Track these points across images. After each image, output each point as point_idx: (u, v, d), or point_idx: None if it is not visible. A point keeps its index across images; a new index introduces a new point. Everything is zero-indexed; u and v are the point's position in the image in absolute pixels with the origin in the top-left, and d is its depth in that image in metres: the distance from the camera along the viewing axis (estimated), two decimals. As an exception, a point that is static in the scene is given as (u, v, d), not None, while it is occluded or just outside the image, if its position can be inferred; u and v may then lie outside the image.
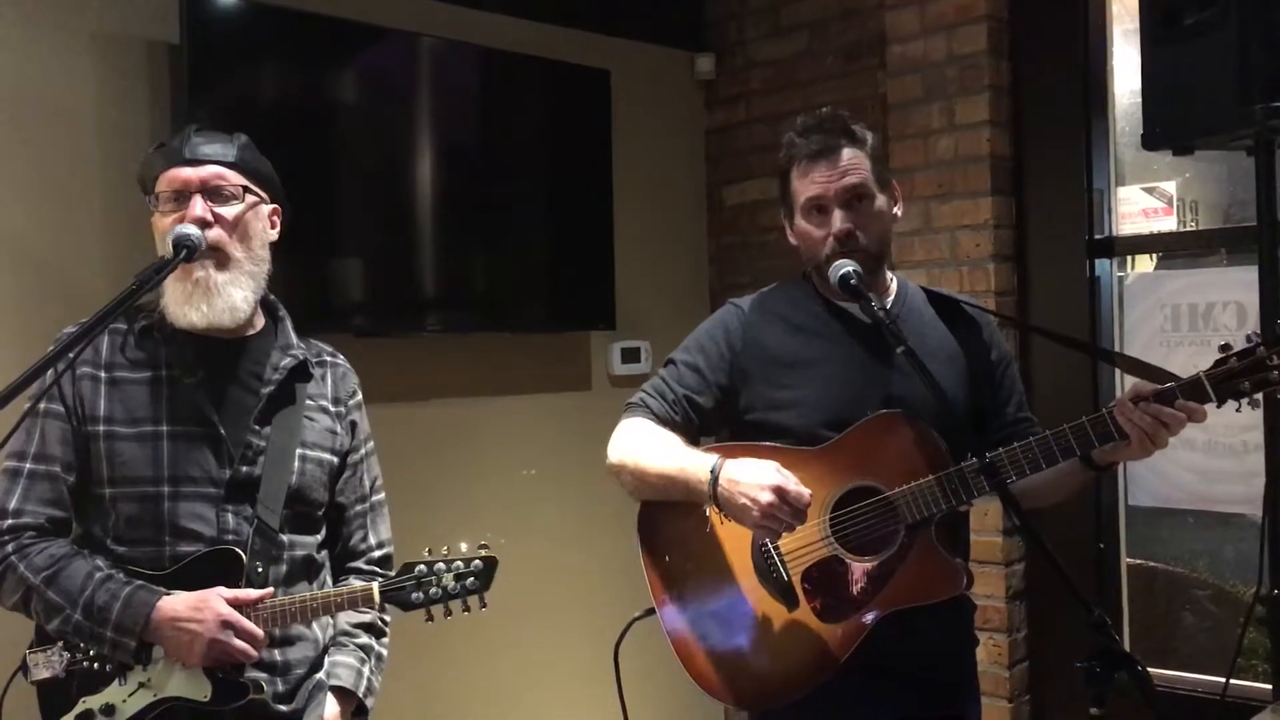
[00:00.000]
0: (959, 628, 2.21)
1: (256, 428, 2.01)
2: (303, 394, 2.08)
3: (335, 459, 2.12)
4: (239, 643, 1.88)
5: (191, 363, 1.98)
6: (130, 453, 1.93)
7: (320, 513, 2.11)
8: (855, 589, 2.02)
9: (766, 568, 2.06)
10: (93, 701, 1.90)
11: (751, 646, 2.06)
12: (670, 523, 2.14)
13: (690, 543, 2.11)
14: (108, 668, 1.91)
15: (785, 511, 1.91)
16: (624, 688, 2.25)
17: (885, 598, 2.01)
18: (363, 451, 2.20)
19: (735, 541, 2.08)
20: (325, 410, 2.12)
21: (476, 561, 2.04)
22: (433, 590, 2.01)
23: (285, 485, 2.01)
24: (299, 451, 2.04)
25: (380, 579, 2.05)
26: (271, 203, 2.10)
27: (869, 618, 2.00)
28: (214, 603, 1.88)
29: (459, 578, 2.02)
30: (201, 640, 1.86)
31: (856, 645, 2.00)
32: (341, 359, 2.22)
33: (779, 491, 1.90)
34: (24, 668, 1.93)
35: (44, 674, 1.91)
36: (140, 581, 1.90)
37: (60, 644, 1.92)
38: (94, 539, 1.96)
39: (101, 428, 1.94)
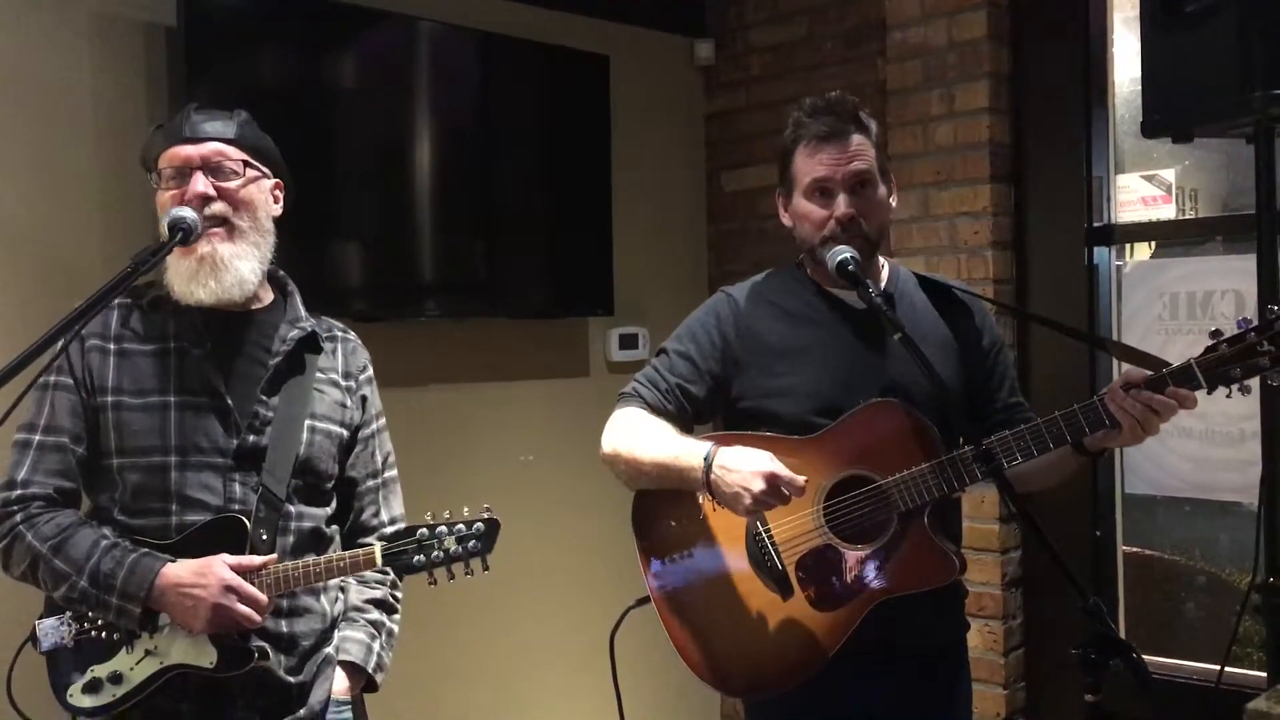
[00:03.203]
0: (951, 613, 2.21)
1: (264, 397, 2.02)
2: (313, 366, 2.09)
3: (345, 432, 2.13)
4: (242, 608, 1.89)
5: (200, 335, 2.00)
6: (138, 423, 1.95)
7: (329, 485, 2.12)
8: (849, 577, 2.03)
9: (761, 557, 2.06)
10: (100, 670, 1.92)
11: (746, 635, 2.06)
12: (665, 512, 2.14)
13: (685, 532, 2.12)
14: (115, 636, 1.93)
15: (779, 499, 1.91)
16: (621, 676, 2.25)
17: (879, 585, 2.01)
18: (374, 427, 2.21)
19: (730, 531, 2.08)
20: (335, 384, 2.13)
21: (478, 524, 2.03)
22: (435, 553, 2.00)
23: (293, 455, 2.02)
24: (308, 423, 2.05)
25: (382, 542, 2.04)
26: (274, 178, 2.11)
27: (863, 606, 2.01)
28: (217, 568, 1.89)
29: (461, 540, 2.02)
30: (205, 605, 1.87)
31: (850, 633, 2.01)
32: (352, 335, 2.23)
33: (772, 479, 1.90)
34: (33, 638, 1.95)
35: (53, 643, 1.93)
36: (145, 549, 1.92)
37: (68, 614, 1.93)
38: (102, 509, 1.98)
39: (110, 398, 1.96)
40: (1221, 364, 1.83)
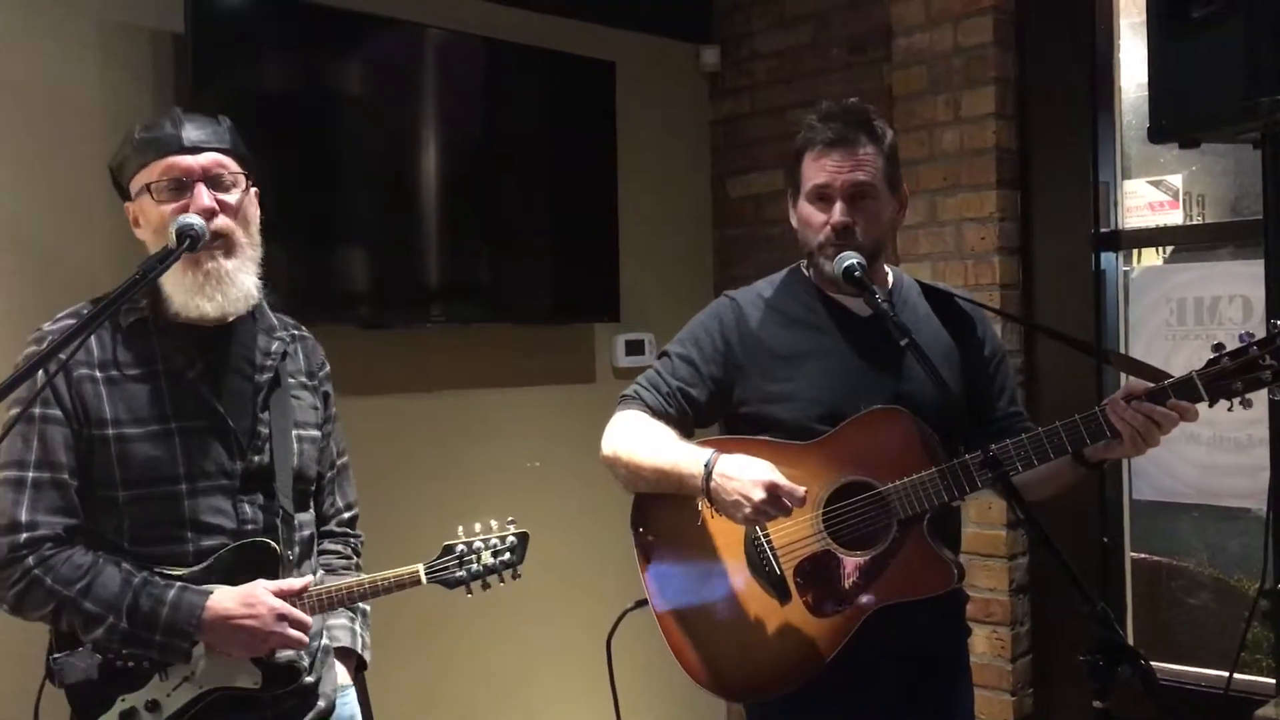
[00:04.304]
0: (951, 619, 2.21)
1: (262, 415, 2.00)
2: (285, 374, 2.08)
3: (319, 434, 2.14)
4: (294, 633, 1.90)
5: (189, 355, 1.95)
6: (144, 453, 1.89)
7: (314, 488, 2.13)
8: (847, 583, 2.03)
9: (759, 561, 2.06)
10: (134, 699, 1.88)
11: (743, 639, 2.06)
12: (664, 515, 2.14)
13: (683, 535, 2.12)
14: (145, 664, 1.89)
15: (779, 509, 1.92)
16: (625, 680, 2.26)
17: (877, 592, 2.01)
18: (332, 419, 2.22)
19: (728, 535, 2.08)
20: (305, 386, 2.13)
21: (510, 537, 2.17)
22: (474, 567, 2.12)
23: (290, 468, 2.02)
24: (294, 433, 2.05)
25: (424, 561, 2.11)
26: (254, 185, 2.07)
27: (861, 612, 2.01)
28: (263, 596, 1.89)
29: (496, 554, 2.15)
30: (259, 635, 1.87)
31: (848, 639, 2.01)
32: (307, 332, 2.20)
33: (772, 488, 1.90)
34: (50, 674, 1.90)
35: (76, 677, 1.87)
36: (180, 583, 1.88)
37: (89, 646, 1.88)
38: (106, 542, 1.90)
39: (110, 431, 1.88)
40: (1223, 377, 1.84)
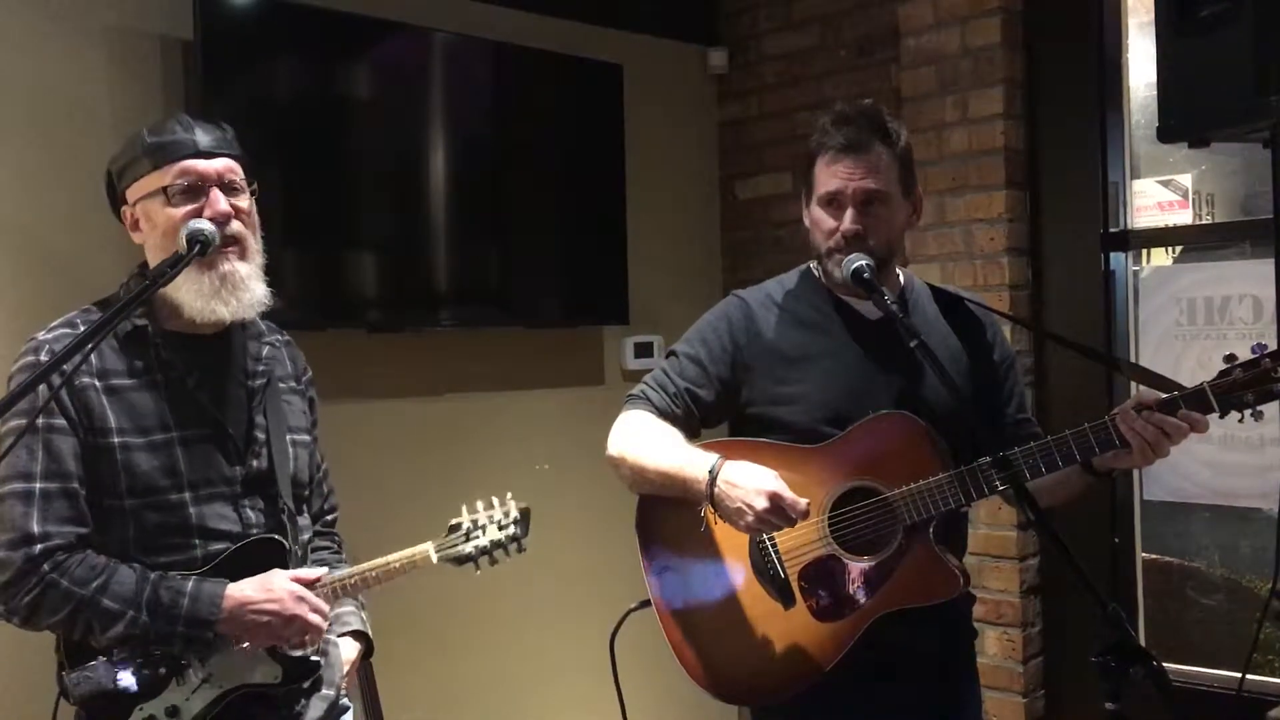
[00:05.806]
0: (957, 623, 2.20)
1: (258, 420, 2.01)
2: (274, 378, 2.08)
3: (309, 438, 2.15)
4: (314, 617, 1.91)
5: (187, 363, 1.96)
6: (147, 463, 1.89)
7: (306, 492, 2.14)
8: (852, 589, 2.02)
9: (764, 565, 2.06)
10: (152, 707, 1.87)
11: (746, 642, 2.06)
12: (669, 517, 2.14)
13: (688, 537, 2.12)
14: (161, 671, 1.88)
15: (782, 519, 1.91)
16: (636, 682, 2.26)
17: (882, 598, 2.01)
18: (317, 424, 2.23)
19: (733, 538, 2.08)
20: (294, 390, 2.14)
21: (514, 513, 2.17)
22: (481, 543, 2.13)
23: (288, 472, 2.03)
24: (289, 437, 2.06)
25: (433, 540, 2.11)
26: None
27: (865, 618, 2.00)
28: (281, 582, 1.90)
29: (501, 528, 2.15)
30: (280, 619, 1.88)
31: (851, 645, 2.00)
32: (288, 337, 2.21)
33: (775, 498, 1.90)
34: (64, 689, 1.88)
35: (90, 690, 1.85)
36: (196, 574, 1.89)
37: (101, 659, 1.86)
38: (114, 551, 1.89)
39: (115, 440, 1.87)
40: (1235, 389, 1.83)
